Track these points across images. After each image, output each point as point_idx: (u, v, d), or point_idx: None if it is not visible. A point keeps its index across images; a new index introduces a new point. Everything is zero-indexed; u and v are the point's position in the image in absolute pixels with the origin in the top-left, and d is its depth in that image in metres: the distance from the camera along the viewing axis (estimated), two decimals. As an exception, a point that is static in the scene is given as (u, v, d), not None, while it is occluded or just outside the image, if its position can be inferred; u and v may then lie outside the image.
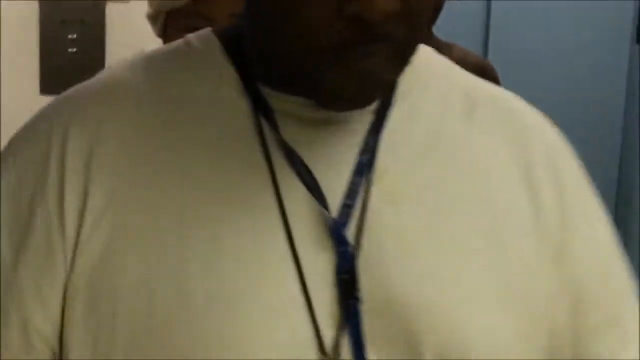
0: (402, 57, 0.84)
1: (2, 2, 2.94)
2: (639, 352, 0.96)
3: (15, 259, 0.86)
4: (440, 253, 0.87)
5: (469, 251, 0.88)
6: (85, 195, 0.85)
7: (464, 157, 0.92)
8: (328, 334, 0.82)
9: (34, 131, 0.93)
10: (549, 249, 0.92)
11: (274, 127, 0.87)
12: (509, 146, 0.97)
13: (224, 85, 0.90)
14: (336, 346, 0.82)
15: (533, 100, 3.95)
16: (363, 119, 0.89)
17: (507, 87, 2.45)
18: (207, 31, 0.96)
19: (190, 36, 0.96)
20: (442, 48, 2.55)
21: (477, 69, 2.50)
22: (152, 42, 3.26)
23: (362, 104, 0.86)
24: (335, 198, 0.86)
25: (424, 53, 0.94)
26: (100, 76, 0.99)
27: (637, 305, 0.98)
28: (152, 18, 1.68)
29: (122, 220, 0.84)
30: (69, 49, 3.15)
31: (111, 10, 3.20)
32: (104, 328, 0.83)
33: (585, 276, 0.94)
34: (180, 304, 0.82)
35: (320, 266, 0.83)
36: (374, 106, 0.89)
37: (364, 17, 0.76)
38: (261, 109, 0.87)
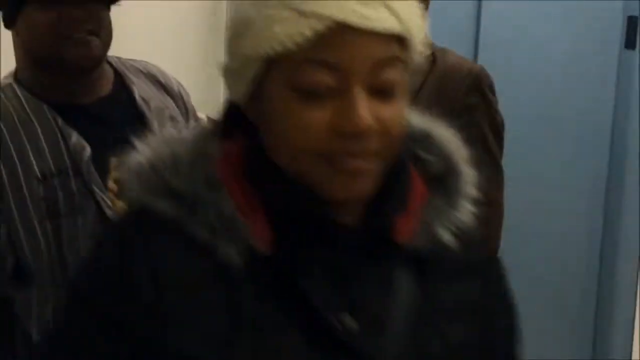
0: None
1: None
2: None
3: None
4: None
5: None
6: None
7: None
8: None
9: None
10: None
11: None
12: None
13: None
14: None
15: (523, 104, 3.97)
16: None
17: (498, 92, 2.46)
18: None
19: None
20: (436, 52, 2.56)
21: (472, 75, 2.50)
22: (145, 43, 3.26)
23: None
24: None
25: None
26: None
27: None
28: (236, 73, 1.03)
29: None
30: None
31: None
32: None
33: None
34: None
35: None
36: None
37: None
38: None
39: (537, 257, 3.75)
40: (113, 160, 1.61)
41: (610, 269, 3.85)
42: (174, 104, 1.75)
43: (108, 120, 1.65)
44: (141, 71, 1.77)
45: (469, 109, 2.37)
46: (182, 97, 1.79)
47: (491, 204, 2.40)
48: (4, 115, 1.61)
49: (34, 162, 1.59)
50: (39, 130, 1.60)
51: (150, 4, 3.22)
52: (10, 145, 1.59)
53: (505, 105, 2.50)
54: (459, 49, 2.62)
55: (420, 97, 2.39)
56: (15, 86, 1.65)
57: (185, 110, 1.80)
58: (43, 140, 1.60)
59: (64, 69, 1.60)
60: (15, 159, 1.59)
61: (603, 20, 3.75)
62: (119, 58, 1.77)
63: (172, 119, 1.69)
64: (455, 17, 3.66)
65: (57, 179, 1.59)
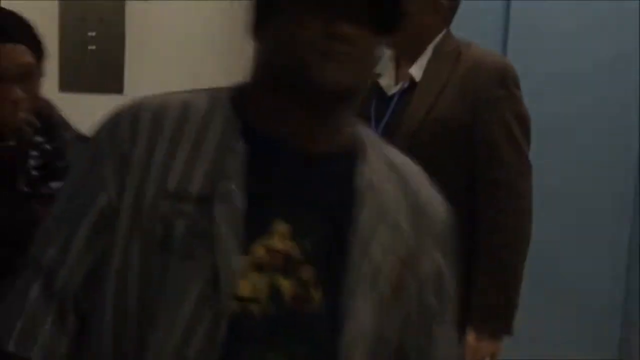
0: None
1: (23, -1, 2.95)
2: None
3: None
4: None
5: None
6: None
7: None
8: None
9: None
10: None
11: None
12: None
13: None
14: None
15: (551, 99, 3.95)
16: None
17: (525, 86, 2.45)
18: None
19: None
20: (461, 47, 2.56)
21: (496, 68, 2.50)
22: (171, 40, 3.27)
23: None
24: None
25: None
26: None
27: None
28: None
29: None
30: (89, 46, 3.17)
31: (131, 8, 3.21)
32: None
33: None
34: None
35: None
36: None
37: None
38: None
39: (563, 255, 3.73)
40: (281, 225, 1.20)
41: (637, 270, 3.82)
42: (412, 221, 1.31)
43: (308, 178, 1.25)
44: (397, 165, 1.35)
45: (495, 103, 2.38)
46: (434, 228, 1.35)
47: (519, 195, 2.40)
48: (178, 117, 1.26)
49: (176, 176, 1.22)
50: (210, 153, 1.23)
51: (169, 4, 3.23)
52: (160, 151, 1.23)
53: (533, 103, 2.49)
54: (487, 45, 2.61)
55: (445, 92, 2.39)
56: (223, 100, 1.30)
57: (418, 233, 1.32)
58: (207, 161, 1.22)
59: (302, 89, 1.22)
60: (156, 165, 1.22)
61: (632, 14, 3.72)
62: (371, 132, 1.41)
63: (395, 228, 1.28)
64: (484, 15, 3.65)
65: (192, 205, 1.19)
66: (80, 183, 1.26)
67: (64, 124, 2.04)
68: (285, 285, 1.19)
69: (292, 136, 1.24)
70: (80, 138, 1.98)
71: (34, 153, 1.94)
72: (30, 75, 1.91)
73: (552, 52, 3.72)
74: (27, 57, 1.91)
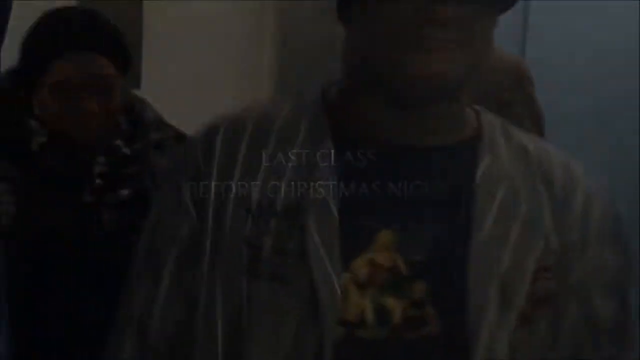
0: None
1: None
2: None
3: None
4: None
5: None
6: None
7: None
8: None
9: None
10: None
11: None
12: None
13: None
14: None
15: (567, 100, 3.94)
16: None
17: (542, 87, 2.45)
18: None
19: None
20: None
21: (510, 69, 2.49)
22: (188, 37, 3.28)
23: None
24: None
25: None
26: None
27: None
28: None
29: None
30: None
31: (149, 5, 3.23)
32: None
33: None
34: None
35: None
36: None
37: None
38: None
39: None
40: (385, 235, 1.02)
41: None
42: (556, 218, 1.08)
43: (415, 178, 1.05)
44: (533, 152, 1.13)
45: (509, 104, 2.37)
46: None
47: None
48: (257, 129, 1.12)
49: (258, 190, 1.07)
50: (296, 159, 1.08)
51: (187, 2, 3.24)
52: (238, 168, 1.10)
53: (551, 99, 2.49)
54: (505, 45, 2.61)
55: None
56: (310, 102, 1.14)
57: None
58: (293, 169, 1.07)
59: (399, 87, 1.03)
60: (235, 184, 1.09)
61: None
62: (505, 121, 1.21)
63: (532, 228, 1.06)
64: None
65: (278, 220, 1.04)
66: (161, 215, 1.13)
67: (155, 124, 1.83)
68: (393, 305, 1.01)
69: (393, 133, 1.06)
70: (178, 137, 1.79)
71: (101, 159, 1.73)
72: (106, 88, 1.71)
73: (571, 50, 3.72)
74: (104, 68, 1.70)
